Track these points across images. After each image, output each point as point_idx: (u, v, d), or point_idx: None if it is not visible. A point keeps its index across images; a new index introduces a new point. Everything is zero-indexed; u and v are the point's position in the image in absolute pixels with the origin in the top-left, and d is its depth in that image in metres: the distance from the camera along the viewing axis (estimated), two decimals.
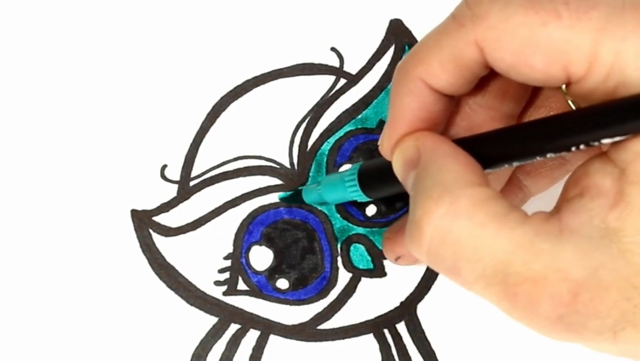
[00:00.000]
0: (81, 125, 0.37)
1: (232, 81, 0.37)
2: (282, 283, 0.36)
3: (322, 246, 0.36)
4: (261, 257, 0.36)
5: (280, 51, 0.37)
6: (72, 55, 0.37)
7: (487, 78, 0.25)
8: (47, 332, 0.35)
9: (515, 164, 0.24)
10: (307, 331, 0.35)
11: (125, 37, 0.37)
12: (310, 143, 0.37)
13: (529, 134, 0.23)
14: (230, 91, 0.37)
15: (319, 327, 0.35)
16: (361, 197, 0.31)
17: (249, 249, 0.36)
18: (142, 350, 0.35)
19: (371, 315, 0.36)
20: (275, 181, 0.36)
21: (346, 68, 0.37)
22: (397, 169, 0.26)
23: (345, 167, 0.36)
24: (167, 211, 0.36)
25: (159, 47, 0.37)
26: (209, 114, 0.37)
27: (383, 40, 0.38)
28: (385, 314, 0.36)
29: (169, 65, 0.37)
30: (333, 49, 0.38)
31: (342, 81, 0.37)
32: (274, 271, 0.36)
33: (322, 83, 0.37)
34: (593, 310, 0.20)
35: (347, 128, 0.37)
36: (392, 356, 0.35)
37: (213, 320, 0.35)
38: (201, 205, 0.36)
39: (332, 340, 0.35)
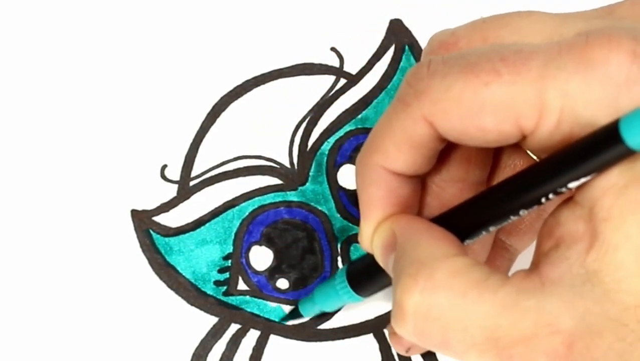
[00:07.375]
0: (81, 125, 0.37)
1: (232, 81, 0.37)
2: (282, 283, 0.36)
3: (322, 246, 0.36)
4: (261, 257, 0.36)
5: (280, 51, 0.37)
6: (72, 55, 0.37)
7: (446, 152, 0.25)
8: (46, 332, 0.35)
9: (492, 229, 0.24)
10: (307, 331, 0.35)
11: (125, 37, 0.37)
12: (310, 143, 0.37)
13: (497, 197, 0.23)
14: (230, 91, 0.37)
15: (319, 327, 0.35)
16: (356, 299, 0.31)
17: (249, 249, 0.36)
18: (142, 350, 0.35)
19: (371, 315, 0.36)
20: (275, 181, 0.36)
21: (346, 68, 0.37)
22: (378, 256, 0.25)
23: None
24: (167, 211, 0.36)
25: (159, 47, 0.37)
26: (209, 114, 0.37)
27: (383, 40, 0.38)
28: (386, 314, 0.36)
29: (169, 65, 0.37)
30: (333, 49, 0.38)
31: (342, 81, 0.37)
32: (274, 271, 0.36)
33: (322, 83, 0.37)
34: (590, 357, 0.20)
35: (347, 128, 0.37)
36: (392, 356, 0.35)
37: (213, 320, 0.35)
38: (201, 205, 0.36)
39: (332, 340, 0.35)
